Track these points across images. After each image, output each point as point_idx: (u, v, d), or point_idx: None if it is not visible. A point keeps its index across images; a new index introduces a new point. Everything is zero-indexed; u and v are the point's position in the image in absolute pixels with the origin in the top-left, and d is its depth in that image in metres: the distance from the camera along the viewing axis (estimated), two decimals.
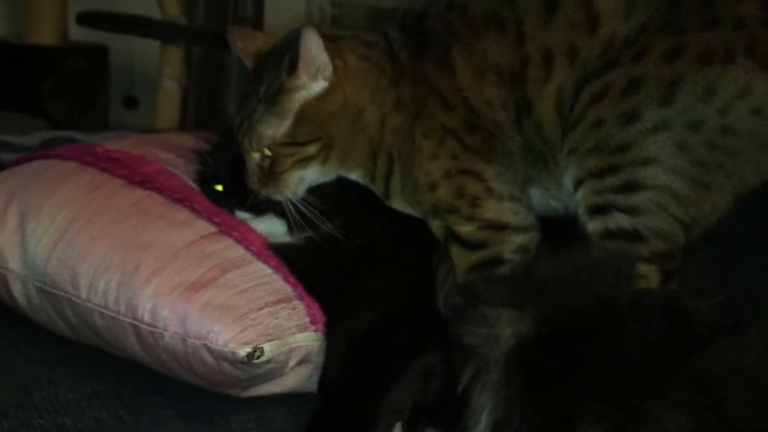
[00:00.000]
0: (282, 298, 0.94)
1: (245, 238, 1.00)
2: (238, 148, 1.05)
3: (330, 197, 1.01)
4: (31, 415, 0.88)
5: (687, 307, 0.92)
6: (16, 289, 1.03)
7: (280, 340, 0.90)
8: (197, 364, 0.89)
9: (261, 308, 0.91)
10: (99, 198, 1.03)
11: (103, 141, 1.44)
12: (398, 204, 1.03)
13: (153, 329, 0.90)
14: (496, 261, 0.97)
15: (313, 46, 0.93)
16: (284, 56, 0.97)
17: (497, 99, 0.97)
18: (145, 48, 2.66)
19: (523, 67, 0.97)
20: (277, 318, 0.91)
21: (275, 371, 0.91)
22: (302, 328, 0.94)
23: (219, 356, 0.87)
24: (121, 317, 0.93)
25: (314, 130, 0.97)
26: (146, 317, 0.91)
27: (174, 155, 1.14)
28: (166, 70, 2.47)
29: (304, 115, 0.96)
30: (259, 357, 0.86)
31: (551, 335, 0.89)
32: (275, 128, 0.96)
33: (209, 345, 0.87)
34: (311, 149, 0.97)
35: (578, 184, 0.97)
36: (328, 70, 0.95)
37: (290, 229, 1.04)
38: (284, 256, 1.00)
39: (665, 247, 0.96)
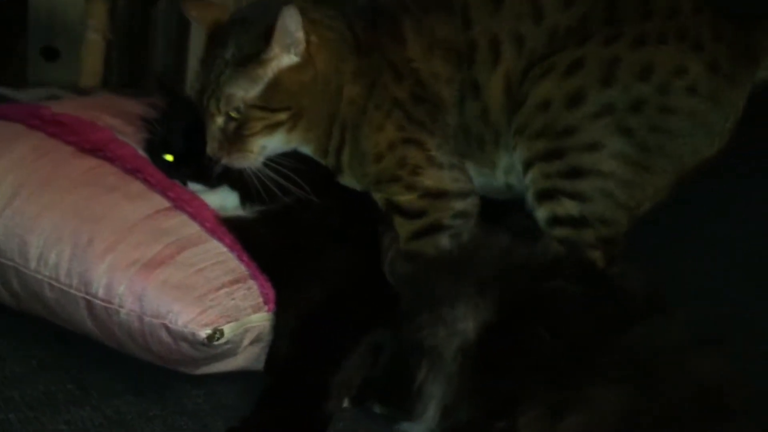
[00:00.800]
0: (238, 278, 0.94)
1: (199, 214, 1.00)
2: (191, 117, 1.05)
3: (287, 169, 1.01)
4: None
5: (619, 287, 0.98)
6: None
7: (238, 322, 0.90)
8: (153, 342, 0.88)
9: (218, 288, 0.91)
10: (48, 165, 1.00)
11: (34, 100, 1.40)
12: (347, 179, 1.05)
13: (108, 305, 0.89)
14: (437, 227, 1.01)
15: (293, 23, 0.94)
16: (258, 25, 0.98)
17: (444, 73, 1.01)
18: None
19: (471, 50, 1.01)
20: (233, 299, 0.92)
21: (230, 351, 0.92)
22: (257, 309, 0.94)
23: (178, 336, 0.87)
24: (73, 291, 0.91)
25: (286, 98, 0.98)
26: (101, 292, 0.90)
27: (122, 121, 1.11)
28: (90, 23, 2.39)
29: (278, 83, 0.97)
30: (218, 338, 0.87)
31: (499, 322, 0.93)
32: (246, 90, 0.97)
33: (168, 325, 0.87)
34: (281, 116, 0.99)
35: (527, 166, 1.01)
36: (302, 46, 0.96)
37: (243, 202, 1.04)
38: (236, 230, 1.00)
39: (609, 233, 1.01)
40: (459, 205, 1.02)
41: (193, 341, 0.86)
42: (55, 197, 0.96)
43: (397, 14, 1.03)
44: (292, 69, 0.97)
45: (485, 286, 0.94)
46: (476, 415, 0.91)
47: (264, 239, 1.01)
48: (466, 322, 0.93)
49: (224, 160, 0.99)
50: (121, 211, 0.96)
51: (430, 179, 1.01)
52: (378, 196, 1.04)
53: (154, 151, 1.08)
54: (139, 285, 0.89)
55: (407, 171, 1.01)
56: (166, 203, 0.99)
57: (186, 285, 0.89)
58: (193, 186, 1.04)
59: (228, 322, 0.88)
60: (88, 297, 0.90)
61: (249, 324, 0.92)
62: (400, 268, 1.02)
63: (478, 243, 1.03)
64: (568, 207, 0.99)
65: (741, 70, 0.98)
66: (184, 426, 0.88)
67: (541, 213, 1.01)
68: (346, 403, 0.96)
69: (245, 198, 1.04)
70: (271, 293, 0.96)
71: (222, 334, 0.87)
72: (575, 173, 0.98)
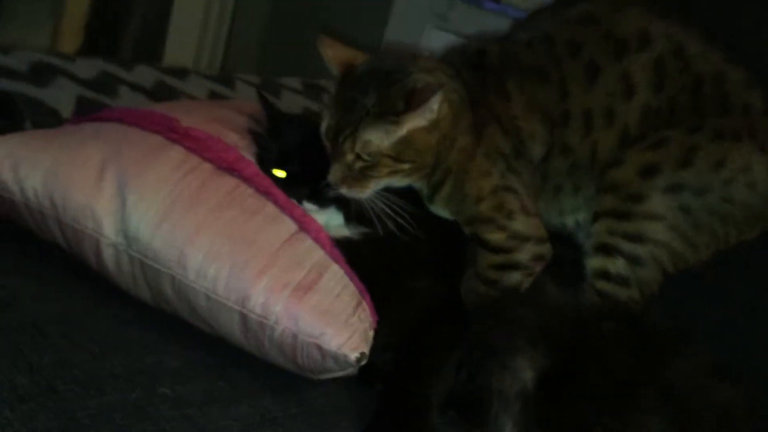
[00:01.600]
0: (359, 300, 1.10)
1: (319, 237, 1.15)
2: (301, 136, 1.20)
3: (392, 202, 1.17)
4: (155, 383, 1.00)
5: (653, 325, 1.20)
6: (108, 253, 1.12)
7: (368, 342, 1.08)
8: (302, 356, 1.05)
9: (353, 313, 1.08)
10: (195, 182, 1.13)
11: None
12: (436, 208, 1.22)
13: (263, 320, 1.05)
14: (515, 265, 1.19)
15: (435, 103, 1.10)
16: (394, 81, 1.12)
17: (539, 133, 1.18)
18: None
19: (566, 118, 1.18)
20: (362, 321, 1.09)
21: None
22: (371, 327, 1.11)
23: (328, 355, 1.04)
24: (230, 304, 1.06)
25: (413, 154, 1.14)
26: (258, 309, 1.05)
27: (238, 136, 1.25)
28: None
29: (409, 141, 1.12)
30: (362, 360, 1.04)
31: (557, 364, 1.14)
32: (382, 140, 1.11)
33: (321, 345, 1.03)
34: (405, 166, 1.14)
35: (596, 217, 1.19)
36: (435, 114, 1.12)
37: (347, 222, 1.20)
38: (344, 250, 1.15)
39: (639, 296, 1.21)
40: (538, 249, 1.19)
41: (342, 362, 1.04)
42: (209, 216, 1.10)
43: (503, 74, 1.18)
44: (423, 130, 1.13)
45: (537, 339, 1.13)
46: None
47: (367, 260, 1.16)
48: (524, 372, 1.11)
49: (342, 190, 1.15)
50: (266, 235, 1.10)
51: (521, 224, 1.17)
52: (467, 229, 1.20)
53: (266, 167, 1.22)
54: (294, 307, 1.05)
55: (503, 215, 1.17)
56: (294, 226, 1.14)
57: (332, 311, 1.06)
58: (308, 205, 1.19)
59: (366, 344, 1.06)
60: (244, 311, 1.06)
61: (370, 341, 1.10)
62: (473, 291, 1.20)
63: (528, 298, 1.21)
64: (620, 267, 1.18)
65: None
66: (317, 424, 1.06)
67: (595, 263, 1.20)
68: None
69: (349, 218, 1.20)
70: (374, 312, 1.13)
71: (365, 356, 1.05)
72: (636, 238, 1.16)
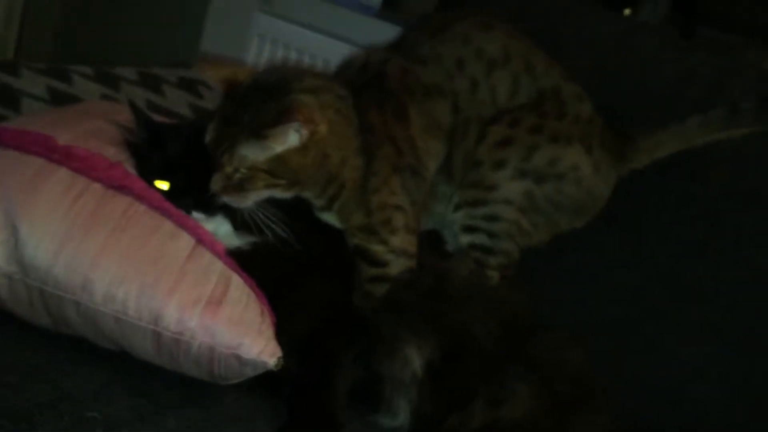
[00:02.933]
0: (262, 309, 1.16)
1: (215, 248, 1.19)
2: (179, 146, 1.23)
3: (273, 214, 1.22)
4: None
5: (515, 305, 1.37)
6: (1, 283, 1.09)
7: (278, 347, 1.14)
8: (219, 366, 1.10)
9: (262, 321, 1.14)
10: (89, 205, 1.13)
11: None
12: (328, 217, 1.29)
13: (179, 337, 1.08)
14: (386, 278, 1.28)
15: (295, 125, 1.15)
16: (273, 97, 1.17)
17: (434, 150, 1.31)
18: None
19: (454, 132, 1.31)
20: (269, 328, 1.15)
21: None
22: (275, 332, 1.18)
23: (247, 363, 1.09)
24: (143, 324, 1.08)
25: (288, 172, 1.19)
26: (172, 326, 1.08)
27: (117, 150, 1.24)
28: None
29: (283, 159, 1.18)
30: (279, 365, 1.10)
31: (444, 348, 1.27)
32: (257, 156, 1.17)
33: (240, 355, 1.08)
34: (282, 181, 1.20)
35: (457, 208, 1.36)
36: (307, 135, 1.17)
37: (234, 230, 1.24)
38: (237, 260, 1.20)
39: (506, 261, 1.39)
40: (407, 263, 1.30)
41: (261, 368, 1.10)
42: (109, 239, 1.10)
43: (403, 97, 1.28)
44: (296, 150, 1.17)
45: (424, 329, 1.26)
46: (438, 410, 1.25)
47: (259, 269, 1.20)
48: (414, 360, 1.25)
49: (225, 199, 1.19)
50: (169, 252, 1.13)
51: (400, 241, 1.28)
52: (352, 240, 1.29)
53: (147, 179, 1.23)
54: (209, 321, 1.09)
55: (387, 230, 1.27)
56: (192, 240, 1.17)
57: (245, 320, 1.11)
58: (197, 215, 1.22)
59: (278, 349, 1.12)
60: (158, 329, 1.08)
61: None
62: (362, 302, 1.30)
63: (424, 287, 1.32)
64: (483, 239, 1.36)
65: (613, 171, 1.38)
66: (238, 429, 1.11)
67: (464, 239, 1.37)
68: None
69: (237, 226, 1.25)
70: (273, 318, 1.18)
71: (281, 360, 1.11)
72: (491, 218, 1.34)
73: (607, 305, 1.47)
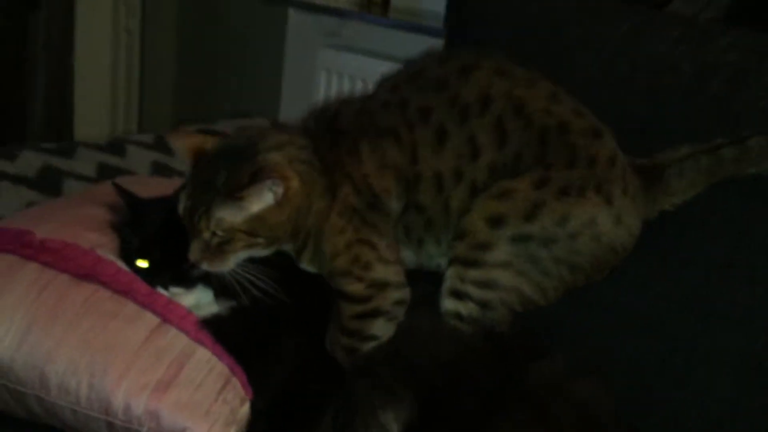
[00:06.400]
0: (226, 380, 1.14)
1: (183, 323, 1.18)
2: (158, 223, 1.22)
3: (255, 271, 1.18)
4: None
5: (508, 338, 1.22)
6: None
7: (236, 423, 1.11)
8: None
9: (216, 399, 1.11)
10: (51, 297, 1.16)
11: None
12: (305, 266, 1.24)
13: (128, 425, 1.09)
14: (377, 312, 1.20)
15: (267, 183, 1.11)
16: (243, 159, 1.14)
17: (393, 190, 1.20)
18: None
19: (417, 180, 1.20)
20: (227, 403, 1.12)
21: None
22: (243, 402, 1.14)
23: None
24: (95, 414, 1.10)
25: (266, 230, 1.15)
26: (120, 415, 1.09)
27: (98, 234, 1.27)
28: None
29: (261, 217, 1.14)
30: None
31: (427, 405, 1.17)
32: (234, 217, 1.13)
33: None
34: (261, 240, 1.16)
35: (450, 262, 1.21)
36: (281, 192, 1.14)
37: (216, 297, 1.22)
38: (212, 329, 1.18)
39: (498, 328, 1.22)
40: (398, 294, 1.21)
41: None
42: (67, 330, 1.13)
43: (357, 136, 1.20)
44: (273, 208, 1.14)
45: (399, 391, 1.16)
46: None
47: (236, 332, 1.18)
48: (391, 426, 1.15)
49: (204, 266, 1.16)
50: (124, 337, 1.14)
51: (379, 273, 1.19)
52: (332, 283, 1.22)
53: (130, 259, 1.25)
54: (154, 407, 1.08)
55: (359, 267, 1.18)
56: (156, 319, 1.17)
57: (192, 403, 1.09)
58: (175, 290, 1.22)
59: (232, 426, 1.09)
60: (109, 419, 1.09)
61: (239, 416, 1.13)
62: (337, 343, 1.24)
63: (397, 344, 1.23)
64: (472, 311, 1.19)
65: (637, 221, 1.20)
66: None
67: (448, 305, 1.20)
68: None
69: (219, 293, 1.22)
70: (246, 381, 1.15)
71: None
72: (485, 285, 1.18)
73: (628, 336, 1.29)
